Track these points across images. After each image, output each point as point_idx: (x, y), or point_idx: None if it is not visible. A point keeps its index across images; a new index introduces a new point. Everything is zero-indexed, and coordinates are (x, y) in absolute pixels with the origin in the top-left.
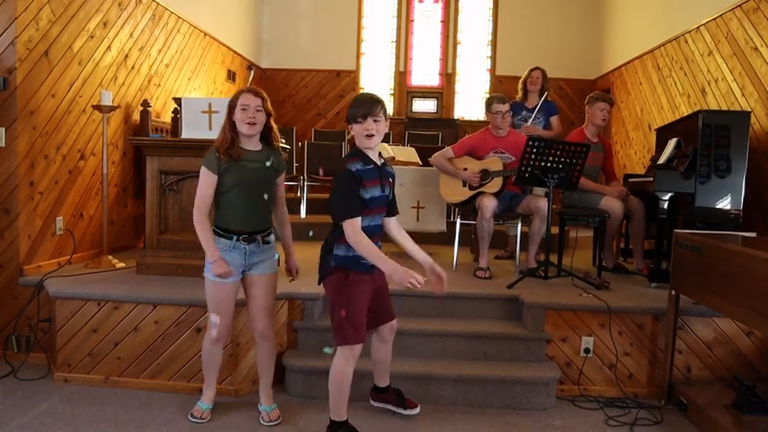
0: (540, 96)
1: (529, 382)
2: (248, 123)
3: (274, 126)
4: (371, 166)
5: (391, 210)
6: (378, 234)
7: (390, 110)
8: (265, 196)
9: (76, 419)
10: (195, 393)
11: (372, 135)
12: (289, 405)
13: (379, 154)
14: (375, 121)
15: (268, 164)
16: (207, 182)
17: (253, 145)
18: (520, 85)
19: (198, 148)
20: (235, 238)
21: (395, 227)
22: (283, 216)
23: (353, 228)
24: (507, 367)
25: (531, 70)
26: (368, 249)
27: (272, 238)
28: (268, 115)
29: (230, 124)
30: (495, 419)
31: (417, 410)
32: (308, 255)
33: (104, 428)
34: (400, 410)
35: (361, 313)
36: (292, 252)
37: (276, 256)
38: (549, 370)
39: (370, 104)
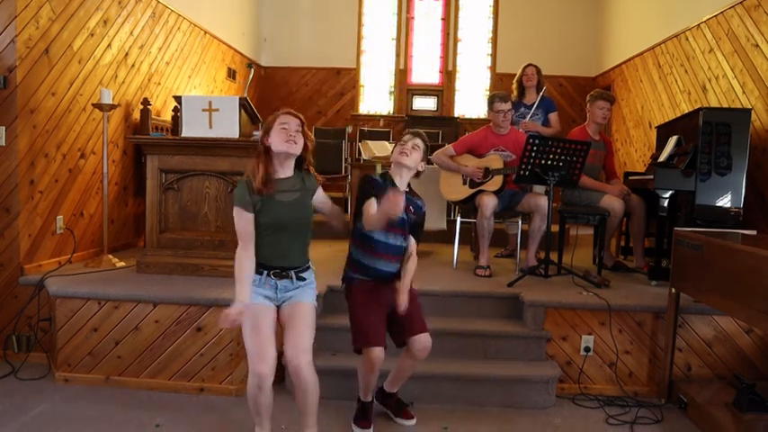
0: (538, 92)
1: (529, 381)
2: (287, 142)
3: (310, 147)
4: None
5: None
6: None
7: (390, 108)
8: (304, 234)
9: (77, 419)
10: (195, 393)
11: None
12: (289, 405)
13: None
14: (414, 147)
15: (302, 189)
16: (243, 222)
17: (286, 172)
18: (515, 84)
19: (198, 146)
20: (265, 273)
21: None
22: (332, 211)
23: None
24: (507, 366)
25: (525, 67)
26: None
27: (308, 273)
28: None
29: (264, 150)
30: (495, 418)
31: (413, 422)
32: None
33: (104, 428)
34: (397, 419)
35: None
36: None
37: (314, 286)
38: (550, 368)
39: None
